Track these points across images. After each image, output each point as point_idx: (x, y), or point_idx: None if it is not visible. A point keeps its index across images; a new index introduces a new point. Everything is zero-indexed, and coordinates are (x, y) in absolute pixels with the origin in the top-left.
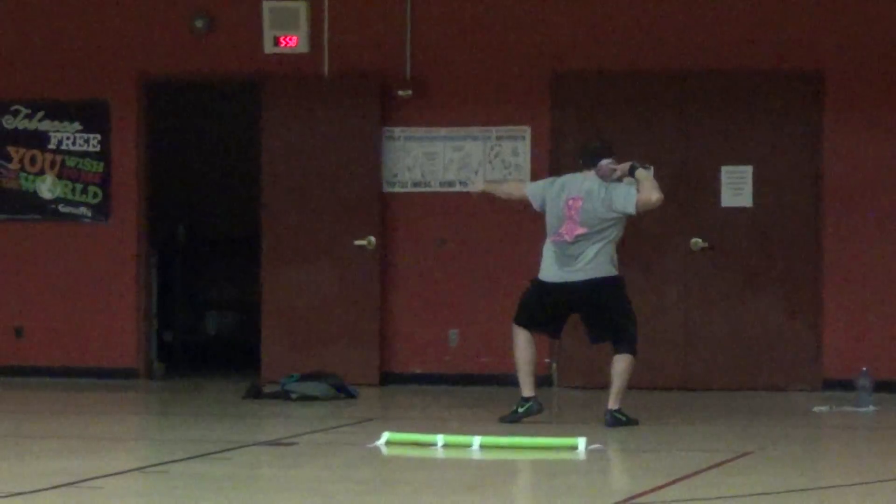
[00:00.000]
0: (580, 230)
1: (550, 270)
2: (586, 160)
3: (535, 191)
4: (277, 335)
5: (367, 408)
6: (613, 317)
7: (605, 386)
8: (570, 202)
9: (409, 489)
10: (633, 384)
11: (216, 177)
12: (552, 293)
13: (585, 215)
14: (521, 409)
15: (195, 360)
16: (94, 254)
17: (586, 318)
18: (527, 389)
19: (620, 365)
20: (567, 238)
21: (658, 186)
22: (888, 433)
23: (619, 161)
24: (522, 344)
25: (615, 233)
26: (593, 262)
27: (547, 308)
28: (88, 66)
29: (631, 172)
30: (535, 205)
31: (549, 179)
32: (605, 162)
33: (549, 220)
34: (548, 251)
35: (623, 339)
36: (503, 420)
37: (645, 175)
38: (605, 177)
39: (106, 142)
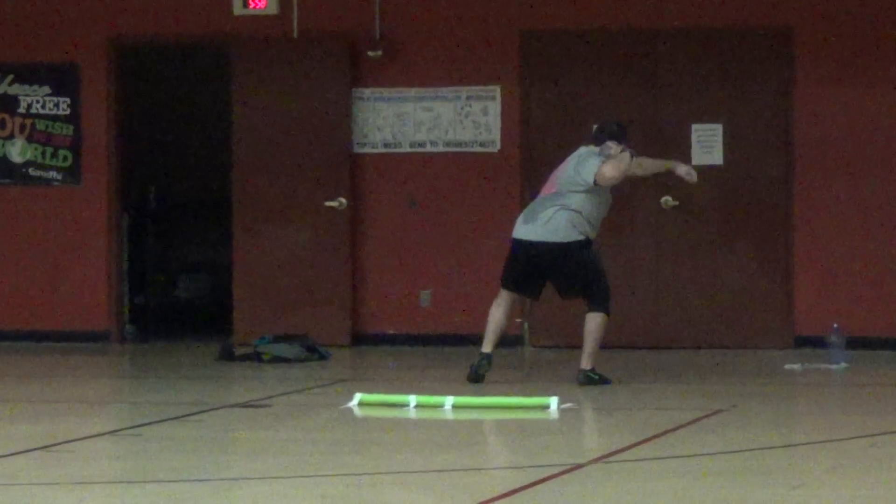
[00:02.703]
0: (552, 189)
1: (518, 224)
2: (594, 137)
3: None
4: (249, 297)
5: (340, 369)
6: (581, 276)
7: (576, 345)
8: (565, 163)
9: (382, 450)
10: (605, 343)
11: (187, 139)
12: (520, 249)
13: (559, 175)
14: (473, 364)
15: (167, 323)
16: (66, 217)
17: (554, 279)
18: (486, 346)
19: (592, 323)
20: (543, 193)
21: (622, 166)
22: (859, 390)
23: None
24: (499, 309)
25: (578, 201)
26: (550, 224)
27: (520, 266)
28: (58, 29)
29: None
30: None
31: None
32: (610, 142)
33: None
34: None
35: (595, 297)
36: (469, 379)
37: (617, 151)
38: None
39: (76, 105)
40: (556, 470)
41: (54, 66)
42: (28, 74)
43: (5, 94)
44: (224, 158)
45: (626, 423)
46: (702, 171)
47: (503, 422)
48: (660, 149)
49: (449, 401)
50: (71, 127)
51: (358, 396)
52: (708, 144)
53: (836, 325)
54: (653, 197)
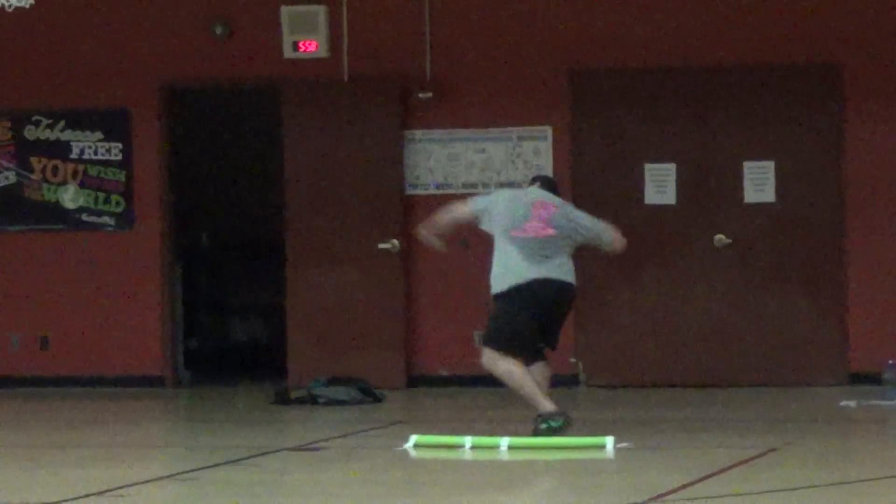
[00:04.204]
0: (550, 231)
1: (522, 271)
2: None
3: (481, 205)
4: (303, 340)
5: (394, 411)
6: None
7: (631, 385)
8: (540, 204)
9: (438, 491)
10: (659, 381)
11: (239, 182)
12: (529, 293)
13: (558, 221)
14: (554, 424)
15: (221, 367)
16: (118, 263)
17: (549, 321)
18: (549, 405)
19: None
20: (533, 235)
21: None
22: None
23: None
24: (519, 371)
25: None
26: (567, 266)
27: (525, 316)
28: (108, 75)
29: None
30: (483, 220)
31: (493, 193)
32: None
33: (505, 219)
34: (509, 252)
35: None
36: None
37: None
38: None
39: (128, 150)
40: None
41: (105, 112)
42: (80, 120)
43: (57, 141)
44: (276, 201)
45: (681, 461)
46: (754, 208)
47: (559, 462)
48: (712, 187)
49: (505, 442)
50: (123, 172)
51: (413, 438)
52: (760, 182)
53: (891, 362)
54: (706, 235)
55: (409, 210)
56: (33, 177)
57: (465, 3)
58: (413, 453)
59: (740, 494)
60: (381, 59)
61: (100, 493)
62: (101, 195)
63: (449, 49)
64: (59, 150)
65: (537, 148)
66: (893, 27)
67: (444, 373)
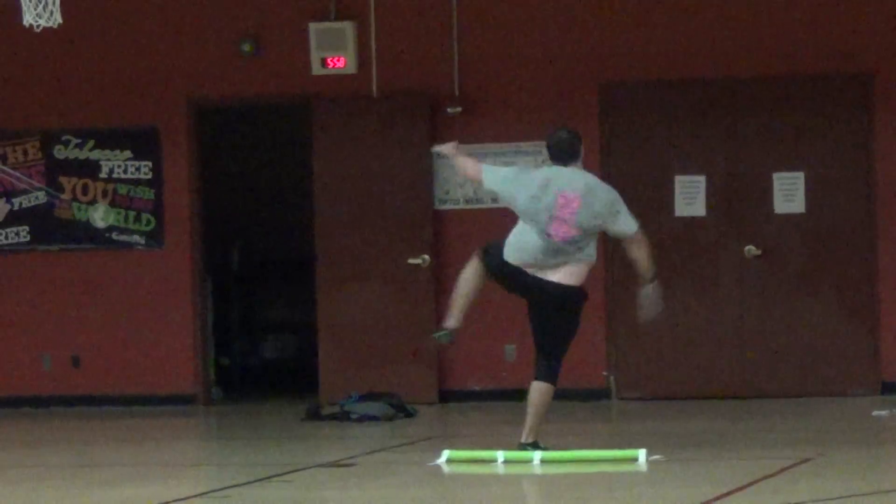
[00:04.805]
0: (574, 232)
1: (533, 263)
2: (564, 155)
3: (500, 190)
4: (334, 356)
5: (427, 426)
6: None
7: (664, 397)
8: (563, 200)
9: None
10: (691, 393)
11: (268, 199)
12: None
13: (581, 219)
14: (435, 335)
15: (253, 384)
16: (149, 281)
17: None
18: (452, 320)
19: (535, 395)
20: (558, 240)
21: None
22: None
23: None
24: (471, 275)
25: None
26: (577, 272)
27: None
28: (137, 93)
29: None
30: (503, 200)
31: (519, 168)
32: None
33: (529, 219)
34: (530, 243)
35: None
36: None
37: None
38: None
39: (157, 168)
40: None
41: (135, 130)
42: (109, 139)
43: (87, 160)
44: (306, 217)
45: (715, 473)
46: (784, 219)
47: (592, 475)
48: (742, 198)
49: (537, 456)
50: (152, 190)
51: (446, 453)
52: (790, 193)
53: None
54: (736, 246)
55: (439, 225)
56: (63, 196)
57: (493, 18)
58: (446, 468)
59: None
60: (409, 75)
61: None
62: (132, 214)
63: (477, 64)
64: (88, 169)
65: None
66: None
67: (476, 387)
